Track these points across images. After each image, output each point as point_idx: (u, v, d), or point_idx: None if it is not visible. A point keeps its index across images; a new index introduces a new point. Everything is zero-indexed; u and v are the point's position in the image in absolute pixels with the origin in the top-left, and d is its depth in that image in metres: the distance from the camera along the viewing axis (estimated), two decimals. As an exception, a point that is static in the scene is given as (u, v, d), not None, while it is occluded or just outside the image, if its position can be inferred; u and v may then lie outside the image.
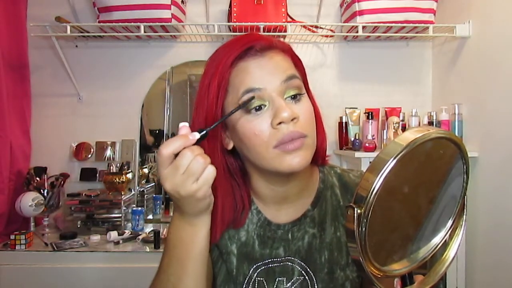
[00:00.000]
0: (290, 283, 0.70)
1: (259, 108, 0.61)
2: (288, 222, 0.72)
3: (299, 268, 0.71)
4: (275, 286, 0.70)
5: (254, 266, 0.71)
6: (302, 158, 0.61)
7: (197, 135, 0.55)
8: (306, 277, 0.70)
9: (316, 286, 0.70)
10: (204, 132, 0.56)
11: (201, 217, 0.61)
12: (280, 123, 0.60)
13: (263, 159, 0.62)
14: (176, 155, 0.54)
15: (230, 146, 0.67)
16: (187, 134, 0.55)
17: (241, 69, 0.62)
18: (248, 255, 0.72)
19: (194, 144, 0.55)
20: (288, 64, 0.65)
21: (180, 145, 0.54)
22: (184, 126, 0.56)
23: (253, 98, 0.60)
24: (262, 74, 0.61)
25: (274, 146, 0.60)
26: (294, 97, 0.63)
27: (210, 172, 0.55)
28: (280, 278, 0.71)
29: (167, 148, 0.53)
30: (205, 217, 0.62)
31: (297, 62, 0.68)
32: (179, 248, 0.63)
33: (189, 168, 0.54)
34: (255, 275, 0.71)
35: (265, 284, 0.71)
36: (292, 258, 0.71)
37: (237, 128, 0.63)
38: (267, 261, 0.71)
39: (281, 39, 0.69)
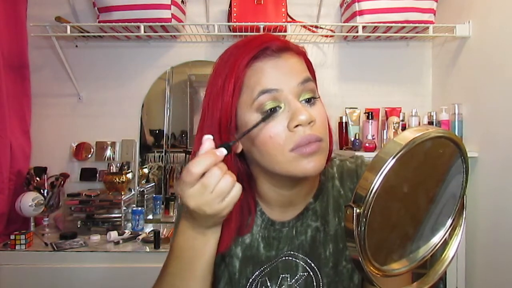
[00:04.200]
0: (294, 280, 0.69)
1: (274, 110, 0.60)
2: (291, 219, 0.71)
3: (303, 264, 0.70)
4: (278, 283, 0.70)
5: (260, 269, 0.70)
6: (317, 162, 0.60)
7: (224, 151, 0.54)
8: (311, 273, 0.69)
9: (321, 282, 0.69)
10: (226, 147, 0.55)
11: (214, 227, 0.61)
12: (297, 125, 0.58)
13: (277, 163, 0.60)
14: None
15: (239, 150, 0.65)
16: (213, 150, 0.53)
17: (257, 70, 0.60)
18: (253, 258, 0.71)
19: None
20: (303, 67, 0.64)
21: (210, 164, 0.52)
22: (208, 139, 0.54)
23: (276, 107, 0.59)
24: (278, 75, 0.60)
25: (290, 149, 0.59)
26: (308, 101, 0.62)
27: (237, 190, 0.54)
28: (283, 275, 0.70)
29: (198, 167, 0.51)
30: (218, 227, 0.62)
31: (309, 66, 0.67)
32: (189, 256, 0.62)
33: (218, 188, 0.52)
34: (259, 277, 0.70)
35: (268, 282, 0.70)
36: (296, 254, 0.70)
37: (251, 132, 0.60)
38: (272, 261, 0.71)
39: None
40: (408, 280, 0.63)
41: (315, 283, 0.69)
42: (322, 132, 0.61)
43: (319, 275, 0.69)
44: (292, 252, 0.70)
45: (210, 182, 0.52)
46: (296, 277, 0.70)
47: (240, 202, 0.66)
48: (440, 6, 1.88)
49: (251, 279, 0.70)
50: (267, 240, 0.71)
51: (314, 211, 0.71)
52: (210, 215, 0.54)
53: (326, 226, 0.71)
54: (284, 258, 0.70)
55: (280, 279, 0.70)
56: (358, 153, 1.69)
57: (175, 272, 0.64)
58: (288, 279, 0.70)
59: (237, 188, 0.54)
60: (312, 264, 0.70)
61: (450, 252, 0.57)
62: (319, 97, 0.65)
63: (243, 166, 0.68)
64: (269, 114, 0.59)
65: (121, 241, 1.67)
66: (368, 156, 1.68)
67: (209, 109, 0.63)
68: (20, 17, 1.95)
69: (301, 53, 0.66)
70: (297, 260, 0.70)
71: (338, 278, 0.69)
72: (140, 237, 1.70)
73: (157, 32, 1.90)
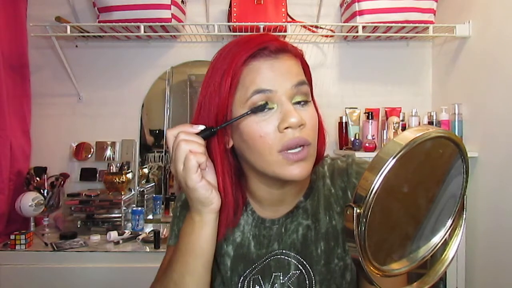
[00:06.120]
0: (286, 278, 0.70)
1: (263, 109, 0.61)
2: (281, 216, 0.72)
3: (295, 262, 0.70)
4: (271, 281, 0.70)
5: (251, 267, 0.71)
6: (303, 168, 0.61)
7: (201, 127, 0.61)
8: (303, 271, 0.70)
9: (313, 279, 0.69)
10: (206, 128, 0.61)
11: (204, 214, 0.63)
12: (287, 127, 0.59)
13: (264, 162, 0.62)
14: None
15: (230, 145, 0.66)
16: (191, 124, 0.61)
17: (253, 69, 0.61)
18: (244, 256, 0.72)
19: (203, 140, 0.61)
20: (299, 69, 0.65)
21: (179, 129, 0.60)
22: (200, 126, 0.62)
23: (266, 104, 0.61)
24: (273, 76, 0.61)
25: (278, 151, 0.60)
26: (301, 103, 0.63)
27: (191, 160, 0.58)
28: (276, 274, 0.70)
29: (171, 130, 0.61)
30: (208, 216, 0.63)
31: (306, 69, 0.67)
32: (183, 244, 0.65)
33: (175, 153, 0.59)
34: (251, 274, 0.71)
35: (261, 280, 0.71)
36: (288, 252, 0.71)
37: (242, 128, 0.62)
38: (263, 259, 0.71)
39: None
40: (404, 281, 0.63)
41: (307, 281, 0.70)
42: (311, 135, 0.62)
43: (311, 273, 0.70)
44: (284, 251, 0.71)
45: (169, 145, 0.61)
46: (289, 275, 0.70)
47: (233, 195, 0.67)
48: (440, 6, 1.88)
49: (242, 277, 0.71)
50: (257, 239, 0.72)
51: (305, 210, 0.72)
52: (178, 179, 0.61)
53: (317, 224, 0.71)
54: (276, 256, 0.71)
55: (272, 277, 0.70)
56: (358, 154, 1.70)
57: (172, 265, 0.66)
58: (281, 277, 0.70)
59: (191, 158, 0.58)
60: (304, 262, 0.70)
61: (450, 252, 0.57)
62: (312, 101, 0.65)
63: (234, 161, 0.69)
64: (257, 108, 0.60)
65: (121, 241, 1.67)
66: (368, 156, 1.69)
67: (205, 103, 0.64)
68: (20, 17, 1.95)
69: (299, 55, 0.66)
70: (289, 259, 0.71)
71: (330, 276, 0.70)
72: (140, 237, 1.70)
73: (157, 32, 1.90)
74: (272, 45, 0.62)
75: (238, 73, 0.61)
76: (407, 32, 1.92)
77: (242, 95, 0.61)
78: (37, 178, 1.87)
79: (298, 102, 0.62)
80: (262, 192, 0.70)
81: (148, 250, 1.62)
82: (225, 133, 0.65)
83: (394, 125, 1.81)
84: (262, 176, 0.66)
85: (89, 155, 2.06)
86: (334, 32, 2.04)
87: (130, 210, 1.90)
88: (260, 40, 0.62)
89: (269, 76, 0.61)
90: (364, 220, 0.45)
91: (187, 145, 0.58)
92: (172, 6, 1.78)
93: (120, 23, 1.78)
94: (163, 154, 2.14)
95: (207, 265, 0.65)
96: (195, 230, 0.63)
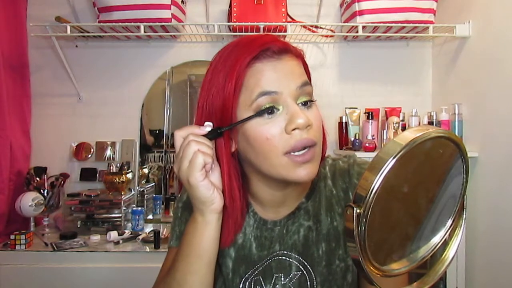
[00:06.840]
0: (287, 279, 0.70)
1: (271, 112, 0.60)
2: (283, 218, 0.72)
3: (297, 263, 0.70)
4: (272, 282, 0.70)
5: (252, 269, 0.71)
6: (310, 170, 0.61)
7: (208, 128, 0.61)
8: (304, 272, 0.70)
9: (314, 280, 0.69)
10: (213, 129, 0.61)
11: (206, 214, 0.62)
12: (294, 129, 0.59)
13: (271, 165, 0.61)
14: None
15: (233, 149, 0.66)
16: (199, 126, 0.61)
17: (256, 71, 0.60)
18: (245, 258, 0.72)
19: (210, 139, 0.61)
20: (301, 70, 0.64)
21: (188, 132, 0.60)
22: (208, 125, 0.62)
23: (273, 107, 0.60)
24: (277, 78, 0.60)
25: (285, 153, 0.60)
26: (305, 104, 0.62)
27: (198, 157, 0.58)
28: (277, 275, 0.70)
29: (180, 131, 0.61)
30: (210, 215, 0.62)
31: (306, 69, 0.67)
32: (186, 245, 0.64)
33: (183, 151, 0.59)
34: (252, 275, 0.71)
35: (262, 281, 0.71)
36: (289, 253, 0.71)
37: (247, 131, 0.61)
38: (264, 261, 0.71)
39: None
40: (405, 281, 0.63)
41: (308, 282, 0.70)
42: (317, 136, 0.62)
43: (313, 274, 0.70)
44: (285, 252, 0.71)
45: (177, 145, 0.61)
46: (290, 276, 0.70)
47: (240, 199, 0.67)
48: (440, 6, 1.88)
49: (244, 278, 0.71)
50: (259, 240, 0.72)
51: (306, 211, 0.72)
52: (181, 179, 0.60)
53: (318, 226, 0.71)
54: (277, 257, 0.71)
55: (274, 278, 0.70)
56: (358, 154, 1.70)
57: (175, 264, 0.65)
58: (282, 278, 0.70)
59: (199, 156, 0.58)
60: (305, 263, 0.70)
61: (450, 252, 0.56)
62: (315, 101, 0.65)
63: (237, 165, 0.68)
64: (264, 110, 0.60)
65: (121, 241, 1.67)
66: (368, 156, 1.69)
67: (207, 106, 0.63)
68: (20, 17, 1.95)
69: (300, 56, 0.66)
70: (290, 260, 0.71)
71: (332, 277, 0.70)
72: (140, 237, 1.70)
73: (157, 32, 1.90)
74: (274, 46, 0.61)
75: (242, 76, 0.60)
76: (407, 32, 1.92)
77: (246, 97, 0.60)
78: (37, 178, 1.87)
79: (304, 103, 0.62)
80: (264, 194, 0.70)
81: (148, 250, 1.62)
82: (229, 136, 0.65)
83: (394, 125, 1.81)
84: (265, 178, 0.66)
85: (89, 155, 2.06)
86: (334, 32, 2.04)
87: (130, 210, 1.90)
88: (262, 41, 0.62)
89: (273, 77, 0.60)
90: (364, 220, 0.45)
91: (197, 145, 0.58)
92: (172, 6, 1.78)
93: (120, 23, 1.78)
94: (163, 154, 2.14)
95: (210, 265, 0.65)
96: (198, 230, 0.63)
